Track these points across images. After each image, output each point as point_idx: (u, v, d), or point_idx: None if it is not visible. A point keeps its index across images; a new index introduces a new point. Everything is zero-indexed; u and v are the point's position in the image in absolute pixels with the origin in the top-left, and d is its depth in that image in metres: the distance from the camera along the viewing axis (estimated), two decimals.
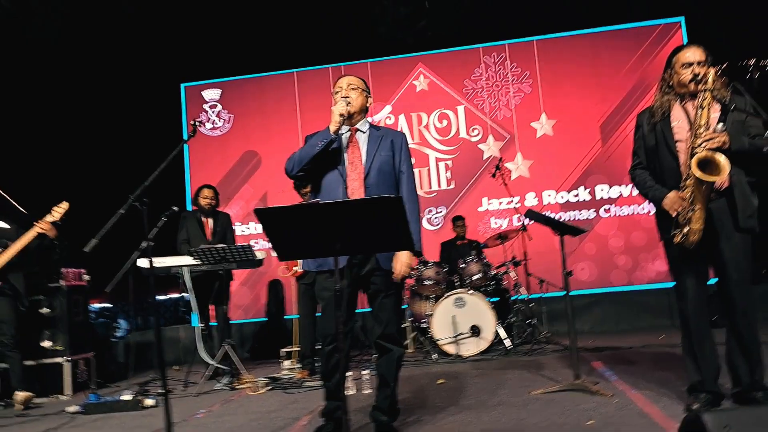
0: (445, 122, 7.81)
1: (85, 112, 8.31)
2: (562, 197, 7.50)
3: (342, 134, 2.98)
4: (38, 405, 5.06)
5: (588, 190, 7.43)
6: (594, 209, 7.40)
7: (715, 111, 2.97)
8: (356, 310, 3.04)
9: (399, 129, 7.74)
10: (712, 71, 2.93)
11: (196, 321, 7.33)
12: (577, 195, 7.47)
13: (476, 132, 7.75)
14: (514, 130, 7.69)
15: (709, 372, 3.05)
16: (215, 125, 8.17)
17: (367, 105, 3.17)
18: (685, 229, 2.93)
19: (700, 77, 2.96)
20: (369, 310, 2.99)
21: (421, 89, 7.91)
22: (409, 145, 3.16)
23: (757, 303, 3.05)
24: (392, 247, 2.67)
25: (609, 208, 7.36)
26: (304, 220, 2.32)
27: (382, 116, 7.87)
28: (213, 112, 8.19)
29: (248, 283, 7.82)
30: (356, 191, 2.87)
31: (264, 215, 2.28)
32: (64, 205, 4.99)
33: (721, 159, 2.79)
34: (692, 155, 2.86)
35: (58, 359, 5.56)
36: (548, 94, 7.65)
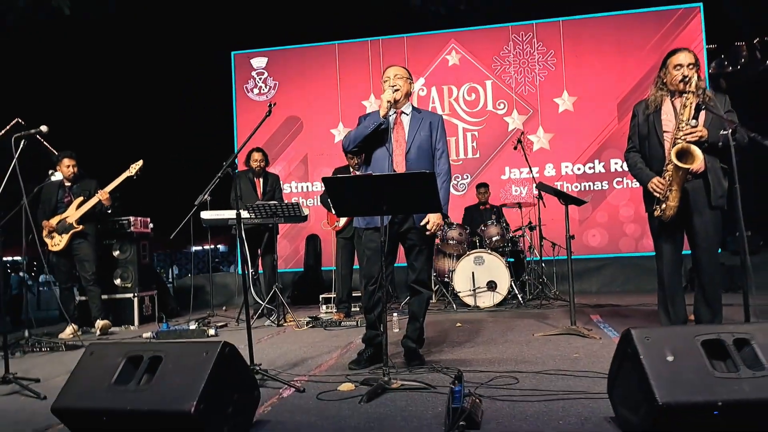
0: (473, 95, 8.42)
1: (147, 78, 9.06)
2: (579, 169, 8.13)
3: (389, 116, 3.61)
4: (113, 333, 5.95)
5: (602, 163, 8.04)
6: (607, 181, 8.03)
7: (697, 106, 3.59)
8: (394, 263, 3.75)
9: (431, 100, 8.39)
10: (696, 75, 3.55)
11: (240, 269, 8.20)
12: (592, 167, 8.10)
13: (502, 106, 8.36)
14: (537, 104, 8.29)
15: (678, 320, 3.75)
16: (261, 91, 8.89)
17: (411, 91, 3.77)
18: (663, 206, 3.60)
19: (687, 78, 3.58)
20: (403, 264, 3.70)
21: (453, 64, 8.50)
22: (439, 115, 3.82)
23: (720, 266, 3.72)
24: (424, 210, 3.38)
25: (621, 180, 7.97)
26: (359, 187, 3.04)
27: (416, 88, 8.49)
28: (260, 78, 8.90)
29: (288, 236, 8.63)
30: (399, 165, 3.54)
31: (328, 182, 3.02)
32: (139, 163, 5.82)
33: (696, 150, 3.44)
34: (674, 145, 3.51)
35: (128, 295, 6.46)
36: (571, 73, 8.21)
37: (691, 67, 3.62)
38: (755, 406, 1.99)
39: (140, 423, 2.27)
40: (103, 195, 5.82)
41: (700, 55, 7.94)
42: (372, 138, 3.57)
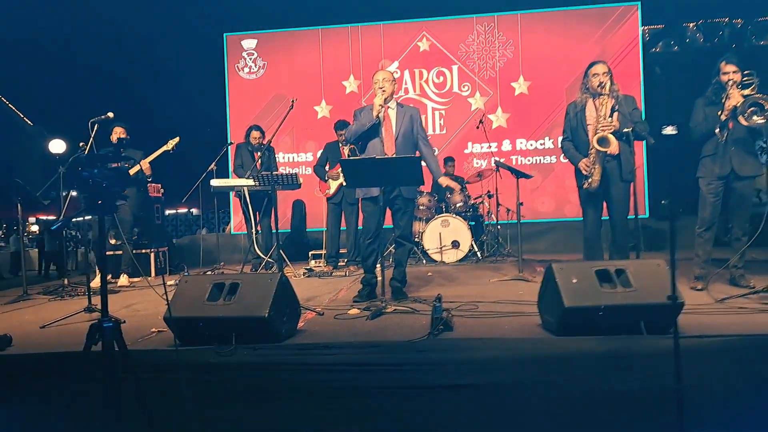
0: (441, 78, 9.54)
1: (147, 57, 9.85)
2: (531, 144, 9.37)
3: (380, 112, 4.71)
4: (135, 283, 6.95)
5: (552, 140, 9.29)
6: (555, 156, 9.29)
7: (611, 106, 4.78)
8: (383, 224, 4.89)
9: (404, 82, 9.46)
10: (608, 81, 4.73)
11: (233, 231, 9.24)
12: (543, 143, 9.35)
13: (466, 88, 9.51)
14: (497, 88, 9.46)
15: None
16: (251, 70, 9.83)
17: (394, 90, 4.85)
18: (590, 179, 4.82)
19: (603, 84, 4.76)
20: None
21: (424, 50, 9.59)
22: (411, 96, 4.93)
23: (628, 224, 4.95)
24: (410, 183, 4.51)
25: None
26: (365, 167, 4.17)
27: (390, 70, 9.54)
28: (250, 58, 9.82)
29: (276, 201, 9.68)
30: (390, 149, 4.65)
31: (345, 163, 4.14)
32: (176, 139, 6.71)
33: (612, 137, 4.65)
34: (595, 134, 4.71)
35: (145, 250, 7.47)
36: (526, 60, 9.38)
37: (605, 74, 4.80)
38: (624, 308, 3.22)
39: (227, 326, 3.38)
40: (144, 165, 6.70)
41: (637, 48, 9.21)
42: (367, 130, 4.67)
